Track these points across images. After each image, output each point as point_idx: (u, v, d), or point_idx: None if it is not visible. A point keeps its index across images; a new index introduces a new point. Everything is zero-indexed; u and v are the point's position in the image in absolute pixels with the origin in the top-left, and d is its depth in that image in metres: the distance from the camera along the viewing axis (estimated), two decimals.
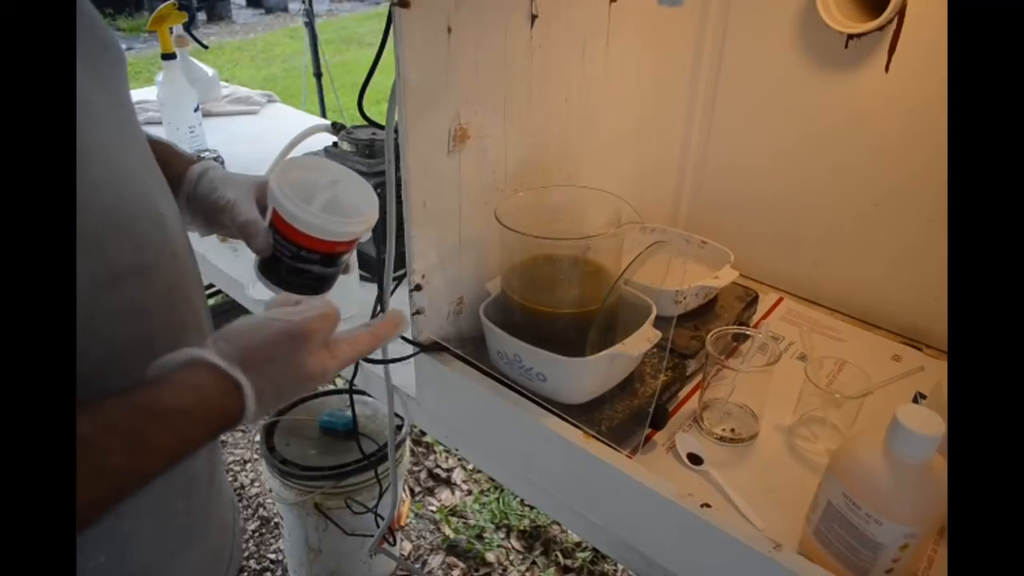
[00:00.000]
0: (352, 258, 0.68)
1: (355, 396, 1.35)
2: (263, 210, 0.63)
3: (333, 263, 0.64)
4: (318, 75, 3.00)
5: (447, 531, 1.73)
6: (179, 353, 0.45)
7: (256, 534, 1.74)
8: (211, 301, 2.44)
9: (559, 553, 1.66)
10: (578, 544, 1.68)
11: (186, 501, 0.58)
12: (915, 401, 0.80)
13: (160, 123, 1.54)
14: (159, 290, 0.51)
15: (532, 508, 1.77)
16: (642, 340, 0.70)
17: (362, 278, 1.02)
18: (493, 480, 1.86)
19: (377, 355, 0.80)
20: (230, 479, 1.90)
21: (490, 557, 1.66)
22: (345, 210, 0.64)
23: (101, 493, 0.39)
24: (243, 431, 2.07)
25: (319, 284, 0.65)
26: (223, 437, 2.03)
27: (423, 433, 1.95)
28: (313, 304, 0.52)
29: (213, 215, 0.63)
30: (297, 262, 0.62)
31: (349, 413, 1.40)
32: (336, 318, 0.52)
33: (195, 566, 0.60)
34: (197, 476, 0.60)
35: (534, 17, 0.72)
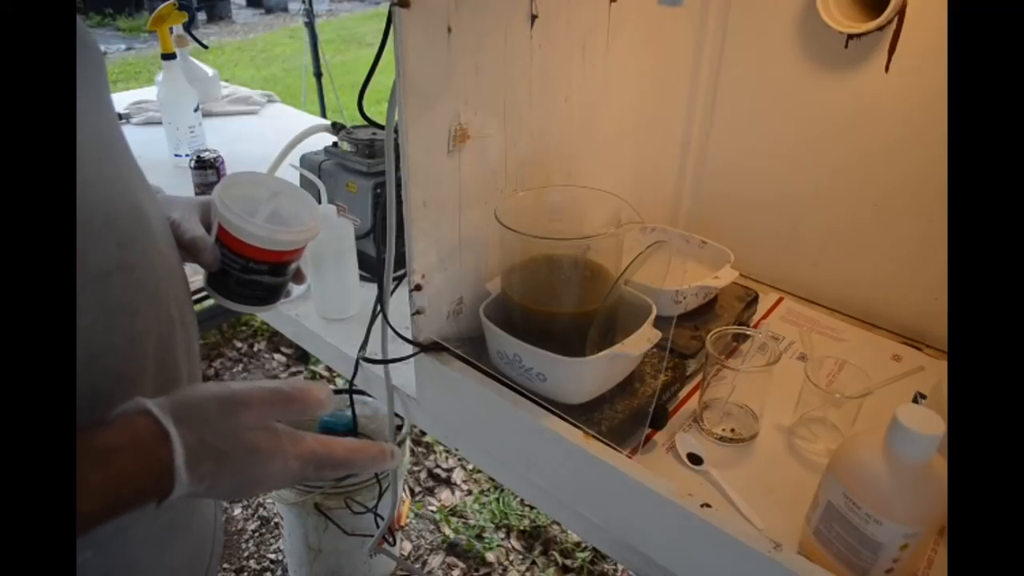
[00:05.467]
0: (302, 266, 0.69)
1: (355, 396, 1.35)
2: (208, 228, 0.63)
3: (282, 272, 0.65)
4: (318, 75, 3.00)
5: (447, 531, 1.73)
6: (126, 404, 0.44)
7: (256, 534, 1.74)
8: (211, 301, 2.44)
9: (559, 553, 1.66)
10: (578, 544, 1.68)
11: None
12: (915, 401, 0.80)
13: (160, 123, 1.54)
14: (145, 288, 0.51)
15: (532, 508, 1.77)
16: (642, 340, 0.70)
17: (362, 278, 1.02)
18: (493, 480, 1.86)
19: (377, 355, 0.80)
20: None
21: (490, 557, 1.66)
22: (288, 221, 0.65)
23: None
24: None
25: (269, 294, 0.66)
26: None
27: (423, 433, 1.94)
28: (277, 384, 0.48)
29: None
30: (246, 274, 0.63)
31: (349, 413, 1.40)
32: (297, 402, 0.47)
33: (178, 561, 0.60)
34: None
35: (534, 17, 0.72)
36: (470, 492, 1.85)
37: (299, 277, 0.69)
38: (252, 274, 0.63)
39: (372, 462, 0.51)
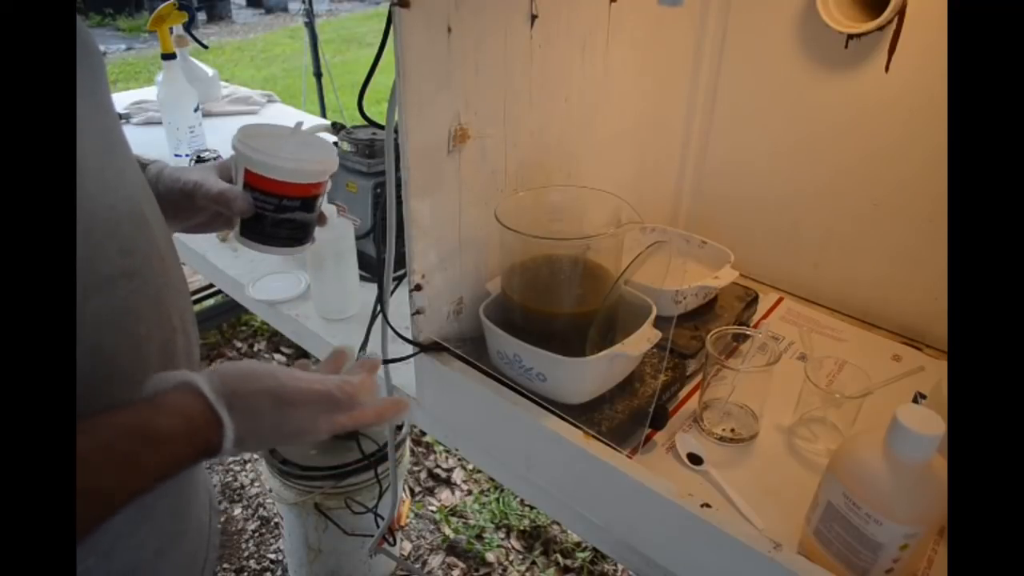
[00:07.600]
0: (325, 206, 0.72)
1: None
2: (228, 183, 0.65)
3: (312, 207, 0.67)
4: (318, 75, 3.00)
5: (447, 531, 1.73)
6: (174, 374, 0.47)
7: (256, 534, 1.74)
8: (211, 301, 2.44)
9: (559, 553, 1.66)
10: (578, 544, 1.68)
11: (170, 501, 0.59)
12: (915, 401, 0.80)
13: (160, 123, 1.54)
14: (146, 294, 0.51)
15: (532, 508, 1.77)
16: (642, 340, 0.70)
17: (362, 278, 1.02)
18: (493, 480, 1.86)
19: (377, 355, 0.80)
20: (230, 479, 1.90)
21: (490, 557, 1.66)
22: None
23: (92, 511, 0.41)
24: None
25: (303, 233, 0.68)
26: None
27: (423, 433, 1.94)
28: (327, 377, 0.53)
29: (182, 203, 0.65)
30: (280, 212, 0.65)
31: None
32: (341, 403, 0.53)
33: (176, 565, 0.60)
34: (179, 476, 0.60)
35: (534, 17, 0.72)
36: (470, 492, 1.85)
37: (322, 219, 0.72)
38: (286, 212, 0.65)
39: (393, 421, 0.59)
